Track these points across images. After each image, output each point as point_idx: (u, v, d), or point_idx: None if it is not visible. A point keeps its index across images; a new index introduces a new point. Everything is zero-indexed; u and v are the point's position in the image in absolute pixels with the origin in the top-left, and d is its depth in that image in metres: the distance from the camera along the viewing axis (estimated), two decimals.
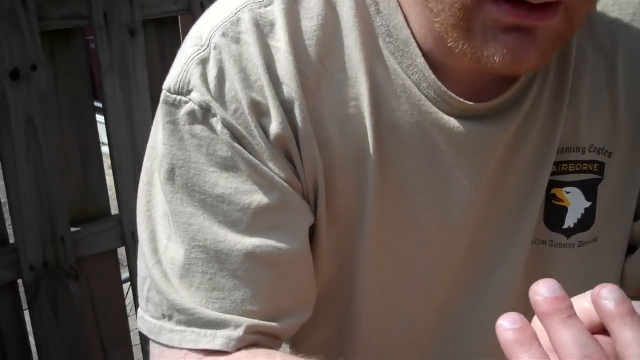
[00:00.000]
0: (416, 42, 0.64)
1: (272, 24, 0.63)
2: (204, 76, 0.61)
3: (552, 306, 0.42)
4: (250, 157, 0.61)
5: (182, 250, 0.62)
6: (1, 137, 1.63)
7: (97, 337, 1.91)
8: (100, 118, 1.82)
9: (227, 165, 0.61)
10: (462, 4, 0.55)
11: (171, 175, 0.62)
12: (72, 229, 1.77)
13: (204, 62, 0.62)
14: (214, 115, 0.61)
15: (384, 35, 0.65)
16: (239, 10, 0.63)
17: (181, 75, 0.62)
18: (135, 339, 2.00)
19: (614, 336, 0.41)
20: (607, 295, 0.42)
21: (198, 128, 0.61)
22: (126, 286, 2.04)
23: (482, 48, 0.57)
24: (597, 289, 0.43)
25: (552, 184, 0.71)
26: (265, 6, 0.63)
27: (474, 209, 0.69)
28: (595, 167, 0.72)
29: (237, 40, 0.62)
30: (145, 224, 0.65)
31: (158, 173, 0.64)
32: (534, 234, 0.72)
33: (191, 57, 0.62)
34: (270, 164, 0.62)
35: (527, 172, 0.70)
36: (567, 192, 0.72)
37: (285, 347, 0.76)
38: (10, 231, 1.69)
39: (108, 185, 1.85)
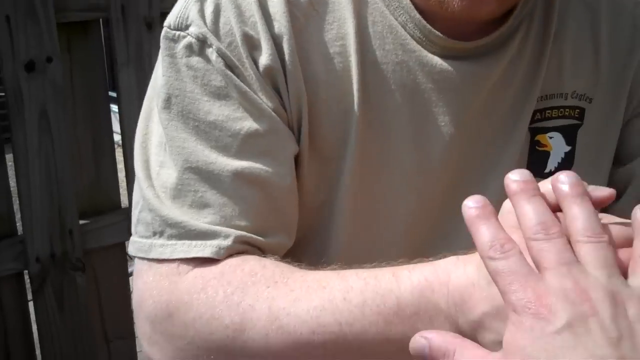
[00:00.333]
0: None
1: None
2: (201, 12, 0.66)
3: (520, 187, 0.48)
4: (242, 85, 0.66)
5: (175, 173, 0.66)
6: (15, 128, 1.62)
7: (101, 329, 1.92)
8: (114, 107, 1.81)
9: (220, 94, 0.66)
10: None
11: (168, 104, 0.67)
12: (81, 222, 1.78)
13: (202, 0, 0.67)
14: (210, 45, 0.66)
15: None
16: None
17: (181, 12, 0.67)
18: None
19: (565, 212, 0.47)
20: (564, 179, 0.48)
21: (195, 60, 0.66)
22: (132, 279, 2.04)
23: None
24: (557, 174, 0.49)
25: (537, 130, 0.74)
26: None
27: (453, 149, 0.71)
28: (576, 112, 0.74)
29: None
30: (140, 154, 0.69)
31: (156, 103, 0.69)
32: None
33: None
34: (260, 94, 0.66)
35: (508, 116, 0.72)
36: (550, 138, 0.75)
37: None
38: (19, 224, 1.69)
39: (120, 180, 1.85)
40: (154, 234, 0.65)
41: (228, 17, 0.66)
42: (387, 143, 0.70)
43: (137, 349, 2.00)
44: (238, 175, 0.65)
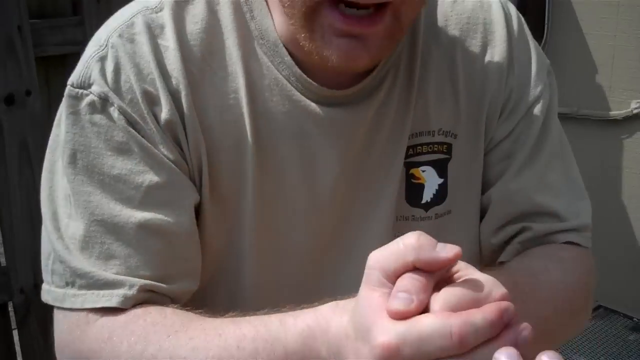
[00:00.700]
0: (283, 43, 0.75)
1: (162, 27, 0.73)
2: (102, 71, 0.71)
3: None
4: (143, 140, 0.70)
5: (82, 225, 0.70)
6: None
7: None
8: None
9: (123, 149, 0.70)
10: (306, 8, 0.65)
11: (73, 159, 0.71)
12: None
13: (102, 59, 0.71)
14: (112, 104, 0.70)
15: (258, 37, 0.75)
16: (134, 16, 0.73)
17: (83, 71, 0.71)
18: None
19: None
20: None
21: (97, 117, 0.70)
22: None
23: (323, 48, 0.67)
24: (539, 356, 0.47)
25: (410, 165, 0.81)
26: (157, 12, 0.73)
27: (340, 186, 0.78)
28: (444, 147, 0.81)
29: (131, 40, 0.72)
30: (48, 207, 0.73)
31: (61, 159, 0.72)
32: (397, 212, 0.81)
33: (92, 56, 0.72)
34: (161, 147, 0.71)
35: (385, 153, 0.79)
36: (423, 171, 0.81)
37: None
38: (2, 256, 1.70)
39: None
40: (67, 284, 0.69)
41: (128, 75, 0.70)
42: (281, 184, 0.77)
43: None
44: (141, 226, 0.69)
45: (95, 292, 0.68)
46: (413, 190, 0.82)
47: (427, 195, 0.82)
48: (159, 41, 0.72)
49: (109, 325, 0.67)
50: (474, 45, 0.81)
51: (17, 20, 1.62)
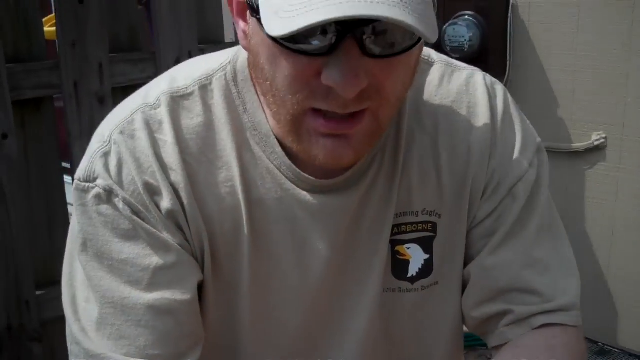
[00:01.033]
0: (275, 135, 0.79)
1: (160, 123, 0.78)
2: (106, 166, 0.76)
3: None
4: (148, 227, 0.75)
5: (96, 308, 0.75)
6: None
7: None
8: (68, 179, 1.86)
9: (129, 236, 0.75)
10: (292, 116, 0.70)
11: (84, 247, 0.76)
12: (38, 292, 1.80)
13: (106, 155, 0.77)
14: (117, 196, 0.75)
15: (251, 129, 0.80)
16: (134, 113, 0.78)
17: (88, 166, 0.77)
18: None
19: None
20: None
21: (104, 208, 0.75)
22: None
23: (309, 149, 0.72)
24: None
25: (396, 242, 0.85)
26: (155, 109, 0.78)
27: (331, 266, 0.83)
28: (429, 226, 0.85)
29: (132, 136, 0.77)
30: (67, 291, 0.78)
31: (75, 247, 0.77)
32: (384, 284, 0.85)
33: (96, 152, 0.77)
34: (165, 232, 0.76)
35: (371, 233, 0.83)
36: (408, 248, 0.86)
37: None
38: None
39: None
40: None
41: (130, 169, 0.76)
42: (275, 266, 0.82)
43: None
44: (150, 308, 0.74)
45: None
46: (399, 265, 0.86)
47: (413, 270, 0.86)
48: (158, 136, 0.77)
49: None
50: (457, 128, 0.84)
51: None
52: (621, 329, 2.36)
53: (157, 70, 2.00)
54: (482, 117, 0.84)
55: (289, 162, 0.79)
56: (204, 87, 0.80)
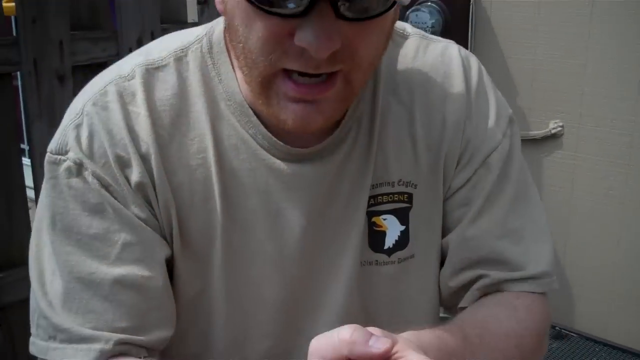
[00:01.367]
0: (248, 104, 0.79)
1: (133, 94, 0.78)
2: (78, 138, 0.76)
3: None
4: (116, 202, 0.75)
5: (63, 282, 0.75)
6: None
7: None
8: (26, 161, 1.81)
9: (98, 210, 0.75)
10: (262, 78, 0.69)
11: (53, 221, 0.76)
12: None
13: (78, 127, 0.76)
14: (86, 169, 0.75)
15: (225, 99, 0.79)
16: (107, 85, 0.78)
17: (60, 138, 0.77)
18: None
19: None
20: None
21: (74, 181, 0.75)
22: None
23: (279, 113, 0.71)
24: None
25: (372, 214, 0.85)
26: (129, 80, 0.78)
27: (307, 237, 0.82)
28: (405, 197, 0.85)
29: (105, 108, 0.77)
30: (35, 264, 0.78)
31: (43, 221, 0.77)
32: (361, 257, 0.85)
33: (69, 124, 0.77)
34: (133, 207, 0.76)
35: (348, 204, 0.83)
36: (384, 219, 0.86)
37: None
38: None
39: None
40: (49, 337, 0.75)
41: (101, 140, 0.75)
42: (248, 236, 0.82)
43: None
44: (116, 282, 0.75)
45: (75, 346, 0.73)
46: (375, 237, 0.86)
47: (389, 242, 0.86)
48: (131, 108, 0.77)
49: None
50: (433, 98, 0.85)
51: None
52: (578, 314, 2.44)
53: (119, 49, 1.95)
54: (456, 88, 0.85)
55: (264, 130, 0.79)
56: (179, 59, 0.80)
